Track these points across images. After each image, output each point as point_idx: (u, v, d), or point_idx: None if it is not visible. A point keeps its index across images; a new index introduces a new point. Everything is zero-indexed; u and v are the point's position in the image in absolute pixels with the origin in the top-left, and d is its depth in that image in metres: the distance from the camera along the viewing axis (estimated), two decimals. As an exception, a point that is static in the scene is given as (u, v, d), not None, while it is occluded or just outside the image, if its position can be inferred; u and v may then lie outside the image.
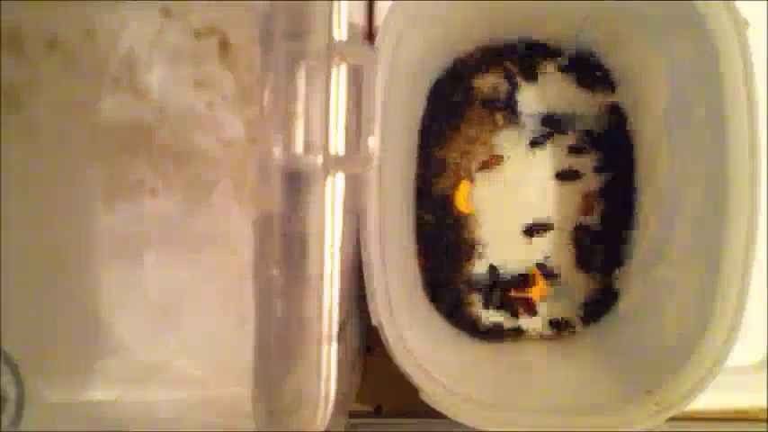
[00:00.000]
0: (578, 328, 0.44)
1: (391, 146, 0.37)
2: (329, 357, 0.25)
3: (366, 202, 0.34)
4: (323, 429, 0.25)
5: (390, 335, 0.34)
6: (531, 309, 0.44)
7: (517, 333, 0.44)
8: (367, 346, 0.44)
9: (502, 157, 0.45)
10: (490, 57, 0.45)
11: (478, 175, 0.45)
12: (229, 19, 0.25)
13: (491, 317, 0.45)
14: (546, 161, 0.45)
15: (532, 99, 0.45)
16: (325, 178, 0.24)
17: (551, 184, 0.45)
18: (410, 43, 0.36)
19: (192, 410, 0.26)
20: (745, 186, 0.33)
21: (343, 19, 0.24)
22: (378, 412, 0.45)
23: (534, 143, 0.45)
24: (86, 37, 0.25)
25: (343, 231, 0.25)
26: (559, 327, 0.44)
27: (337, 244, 0.25)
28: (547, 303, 0.45)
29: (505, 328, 0.45)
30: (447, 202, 0.45)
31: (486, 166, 0.45)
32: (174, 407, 0.26)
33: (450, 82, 0.44)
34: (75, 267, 0.26)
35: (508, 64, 0.45)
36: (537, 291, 0.44)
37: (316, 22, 0.24)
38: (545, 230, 0.44)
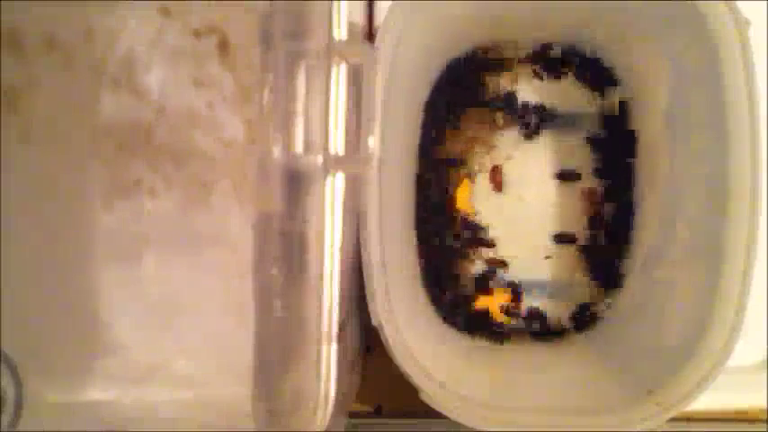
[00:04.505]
0: (578, 328, 0.44)
1: (391, 146, 0.37)
2: (329, 357, 0.25)
3: (366, 202, 0.34)
4: (323, 429, 0.25)
5: (390, 335, 0.34)
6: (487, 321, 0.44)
7: (517, 333, 0.44)
8: (367, 346, 0.44)
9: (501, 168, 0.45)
10: (490, 57, 0.45)
11: (479, 176, 0.45)
12: (229, 19, 0.25)
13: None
14: (547, 160, 0.45)
15: (533, 99, 0.45)
16: (325, 178, 0.24)
17: (552, 184, 0.45)
18: (410, 43, 0.36)
19: (192, 410, 0.26)
20: (745, 186, 0.33)
21: (343, 19, 0.24)
22: (378, 412, 0.45)
23: (528, 135, 0.45)
24: (85, 37, 0.25)
25: (343, 231, 0.25)
26: (558, 327, 0.44)
27: (337, 244, 0.25)
28: (546, 303, 0.45)
29: (506, 328, 0.44)
30: (447, 201, 0.45)
31: (493, 180, 0.45)
32: (173, 407, 0.26)
33: (450, 82, 0.44)
34: (75, 267, 0.25)
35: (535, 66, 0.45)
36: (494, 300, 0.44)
37: (315, 22, 0.24)
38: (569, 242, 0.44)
